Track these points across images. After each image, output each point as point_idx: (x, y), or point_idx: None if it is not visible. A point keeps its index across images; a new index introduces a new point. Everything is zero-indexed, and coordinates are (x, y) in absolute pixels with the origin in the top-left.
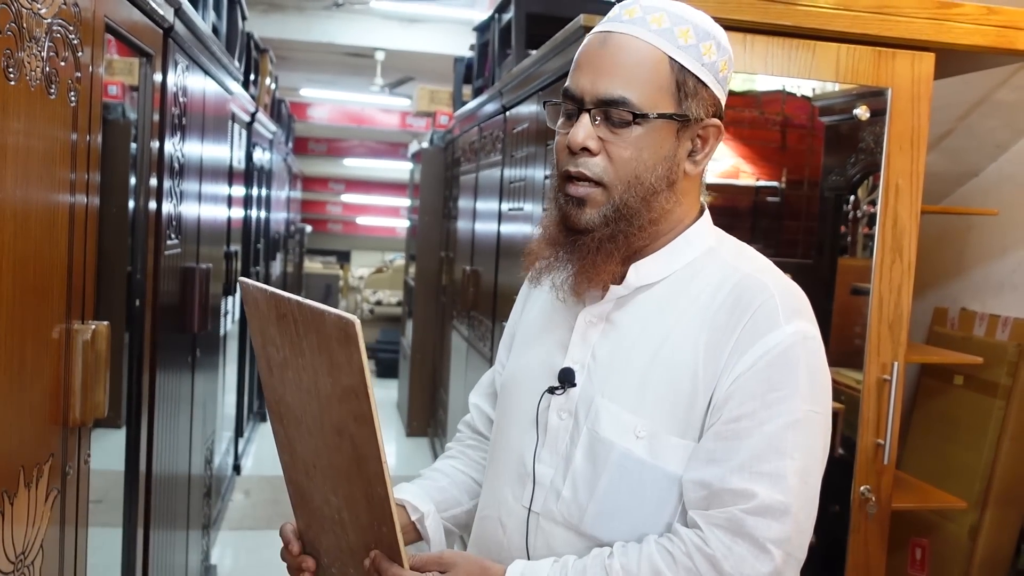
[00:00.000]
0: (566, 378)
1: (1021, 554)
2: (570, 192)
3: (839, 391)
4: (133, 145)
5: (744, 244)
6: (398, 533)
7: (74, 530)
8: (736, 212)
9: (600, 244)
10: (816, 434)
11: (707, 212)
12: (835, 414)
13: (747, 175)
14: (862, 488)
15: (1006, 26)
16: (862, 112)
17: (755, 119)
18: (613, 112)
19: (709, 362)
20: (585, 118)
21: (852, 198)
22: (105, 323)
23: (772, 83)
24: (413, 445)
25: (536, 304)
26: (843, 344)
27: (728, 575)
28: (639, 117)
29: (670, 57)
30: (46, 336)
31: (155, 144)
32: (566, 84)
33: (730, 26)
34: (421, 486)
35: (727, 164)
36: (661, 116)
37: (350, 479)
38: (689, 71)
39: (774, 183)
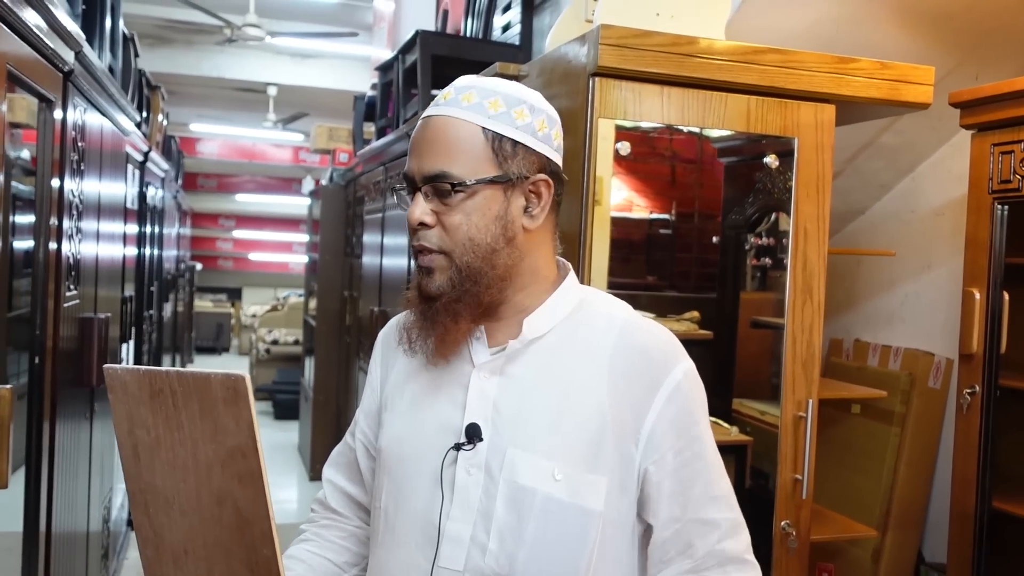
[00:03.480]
0: (474, 433)
1: (920, 574)
2: (420, 263)
3: (745, 423)
4: (18, 186)
5: (608, 295)
6: None
7: None
8: (631, 244)
9: (446, 307)
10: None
11: (571, 268)
12: (743, 446)
13: (640, 208)
14: (783, 523)
15: (898, 80)
16: (771, 161)
17: (646, 153)
18: (439, 185)
19: (615, 402)
20: (419, 196)
21: (751, 236)
22: (8, 387)
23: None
24: (316, 489)
25: (399, 368)
26: (747, 375)
27: None
28: (459, 185)
29: (482, 127)
30: None
31: (55, 183)
32: (404, 169)
33: (648, 79)
34: None
35: (620, 197)
36: (479, 181)
37: (229, 552)
38: (503, 136)
39: (666, 216)
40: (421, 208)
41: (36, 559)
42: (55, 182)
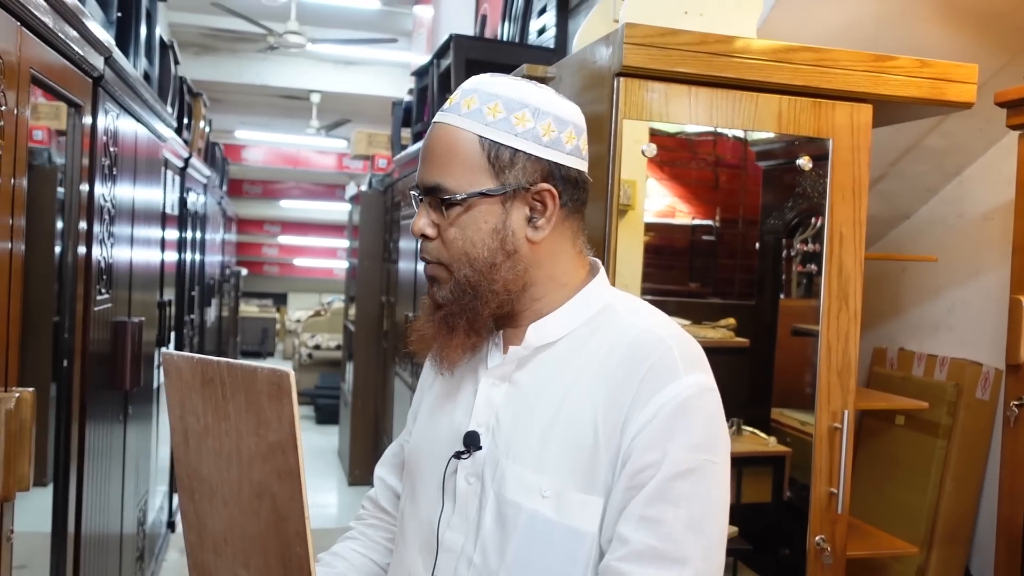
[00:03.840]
0: (471, 441)
1: None
2: (426, 272)
3: (784, 433)
4: (61, 191)
5: (641, 301)
6: None
7: None
8: (674, 251)
9: (445, 319)
10: (712, 483)
11: (602, 271)
12: (782, 457)
13: (683, 214)
14: (817, 538)
15: (938, 78)
16: (805, 163)
17: (687, 158)
18: (436, 198)
19: (609, 416)
20: (422, 207)
21: (790, 241)
22: (30, 390)
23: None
24: (355, 494)
25: (429, 374)
26: (786, 385)
27: None
28: (452, 199)
29: (479, 136)
30: None
31: (84, 188)
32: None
33: (674, 79)
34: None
35: (663, 203)
36: (471, 195)
37: (265, 546)
38: (502, 144)
39: (709, 222)
40: (424, 220)
41: (64, 560)
42: (84, 186)
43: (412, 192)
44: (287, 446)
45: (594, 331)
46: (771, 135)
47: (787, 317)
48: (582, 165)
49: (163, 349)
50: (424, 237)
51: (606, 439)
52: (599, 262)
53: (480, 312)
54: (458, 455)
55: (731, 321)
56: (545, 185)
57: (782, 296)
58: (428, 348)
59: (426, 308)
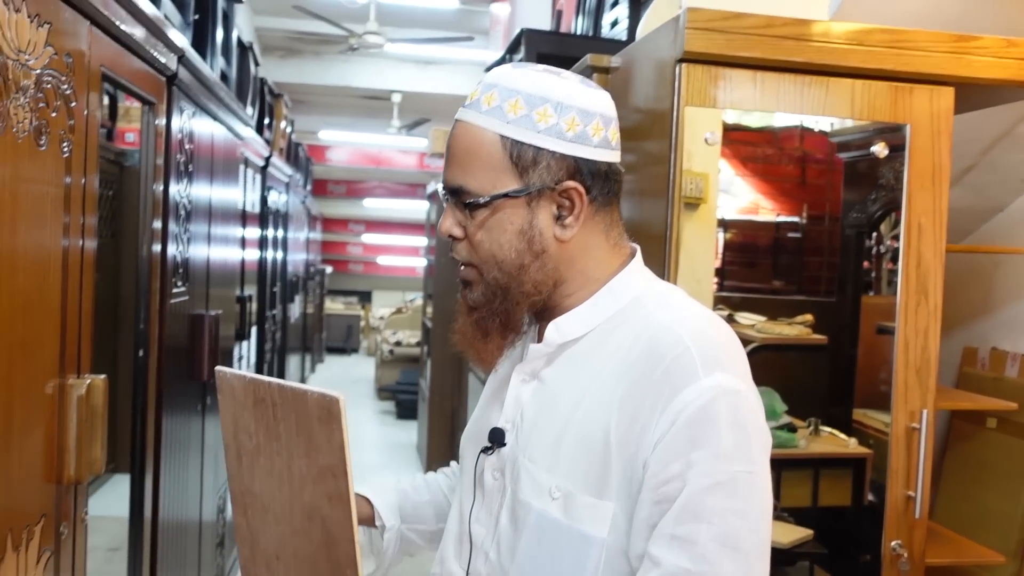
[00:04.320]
0: (496, 438)
1: None
2: (458, 274)
3: (867, 434)
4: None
5: (675, 289)
6: None
7: None
8: (756, 248)
9: (478, 323)
10: (747, 495)
11: (638, 257)
12: (863, 460)
13: (767, 211)
14: (893, 543)
15: None
16: (880, 149)
17: (773, 155)
18: (460, 199)
19: (623, 420)
20: (448, 207)
21: (875, 235)
22: (102, 377)
23: (790, 119)
24: None
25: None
26: (871, 385)
27: None
28: (475, 202)
29: (501, 135)
30: (37, 392)
31: (158, 188)
32: None
33: (738, 63)
34: (399, 493)
35: (746, 200)
36: (495, 197)
37: (315, 567)
38: (524, 143)
39: (795, 218)
40: (450, 220)
41: (142, 544)
42: (159, 186)
43: (439, 191)
44: (337, 471)
45: (616, 327)
46: (850, 124)
47: (872, 315)
48: (612, 156)
49: (216, 367)
50: (452, 238)
51: (620, 444)
52: (637, 249)
53: (512, 314)
54: (485, 450)
55: (808, 317)
56: (571, 183)
57: (870, 293)
58: (469, 348)
59: (462, 310)
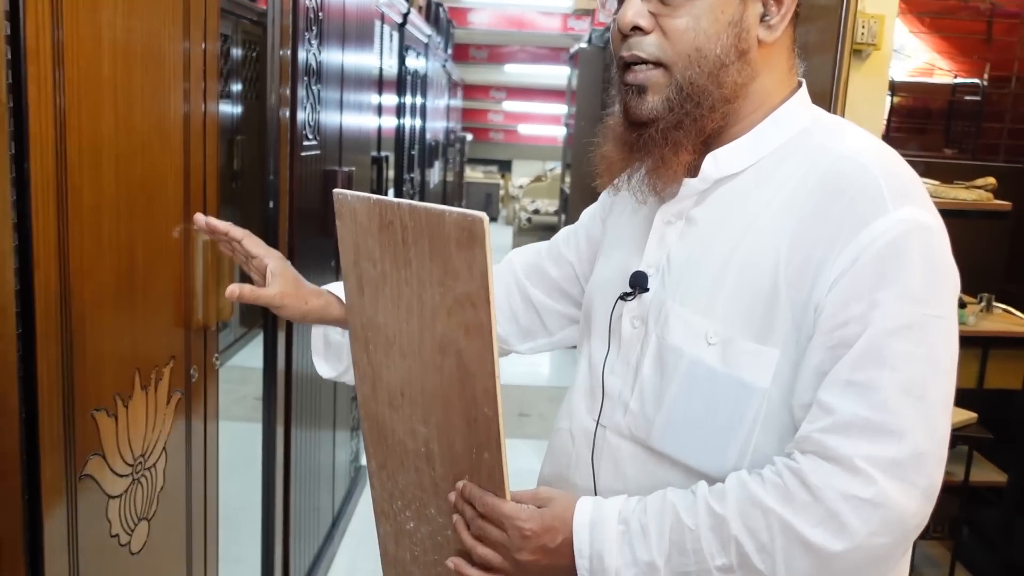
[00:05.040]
0: (637, 282)
1: None
2: (628, 80)
3: None
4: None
5: (847, 122)
6: (503, 458)
7: (202, 433)
8: (928, 113)
9: (666, 135)
10: (935, 341)
11: (803, 89)
12: None
13: (943, 72)
14: None
15: None
16: None
17: (956, 8)
18: None
19: (795, 258)
20: None
21: None
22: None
23: None
24: (565, 356)
25: (622, 211)
26: None
27: (816, 486)
28: None
29: None
30: (162, 236)
31: (286, 52)
32: None
33: None
34: None
35: (920, 61)
36: None
37: (447, 403)
38: None
39: (975, 80)
40: (636, 8)
41: (275, 393)
42: (286, 50)
43: None
44: (477, 299)
45: (783, 159)
46: None
47: None
48: None
49: (335, 190)
50: (636, 30)
51: (790, 285)
52: (803, 82)
53: (703, 125)
54: (623, 296)
55: (990, 180)
56: None
57: None
58: (616, 175)
59: (616, 129)
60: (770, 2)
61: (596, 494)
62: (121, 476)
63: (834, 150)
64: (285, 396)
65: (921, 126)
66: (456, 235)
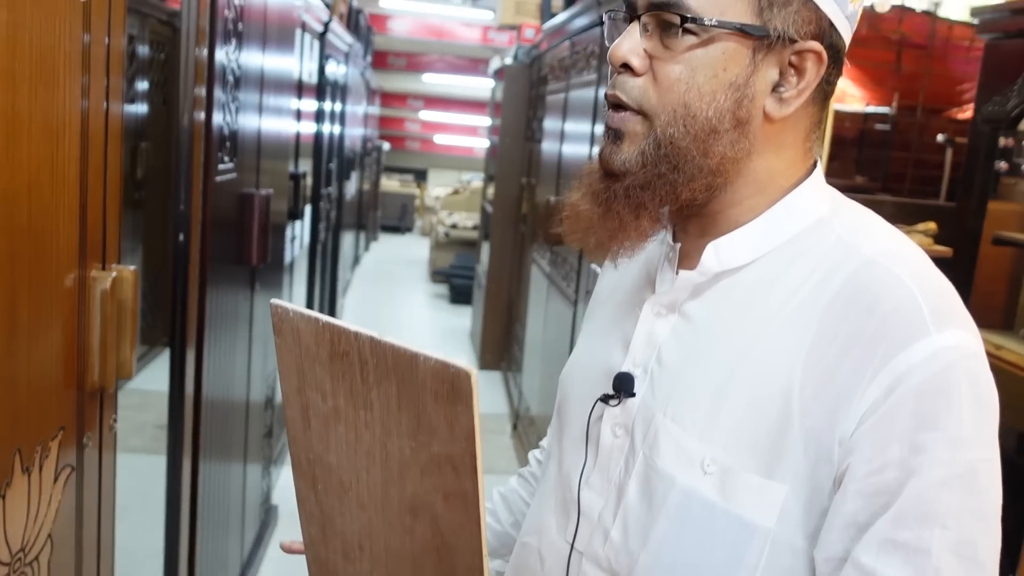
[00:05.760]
0: (622, 385)
1: None
2: (608, 123)
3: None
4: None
5: (868, 212)
6: None
7: (95, 511)
8: (840, 140)
9: (629, 193)
10: (986, 490)
11: (819, 169)
12: None
13: (854, 99)
14: None
15: None
16: None
17: (867, 37)
18: (665, 16)
19: (811, 381)
20: (634, 26)
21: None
22: (131, 268)
23: None
24: (486, 379)
25: (608, 281)
26: (983, 300)
27: None
28: (690, 22)
29: None
30: (51, 286)
31: (202, 52)
32: None
33: None
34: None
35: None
36: (723, 24)
37: (420, 570)
38: None
39: (885, 109)
40: (632, 43)
41: (182, 420)
42: (202, 49)
43: (612, 12)
44: (461, 464)
45: (798, 255)
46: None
47: (994, 223)
48: (848, 37)
49: (272, 301)
50: (626, 68)
51: (805, 412)
52: (819, 160)
53: (677, 192)
54: (605, 399)
55: (931, 226)
56: (815, 45)
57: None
58: (579, 232)
59: (587, 179)
60: (788, 71)
61: None
62: None
63: (860, 252)
64: (194, 425)
65: (833, 153)
66: (433, 386)
